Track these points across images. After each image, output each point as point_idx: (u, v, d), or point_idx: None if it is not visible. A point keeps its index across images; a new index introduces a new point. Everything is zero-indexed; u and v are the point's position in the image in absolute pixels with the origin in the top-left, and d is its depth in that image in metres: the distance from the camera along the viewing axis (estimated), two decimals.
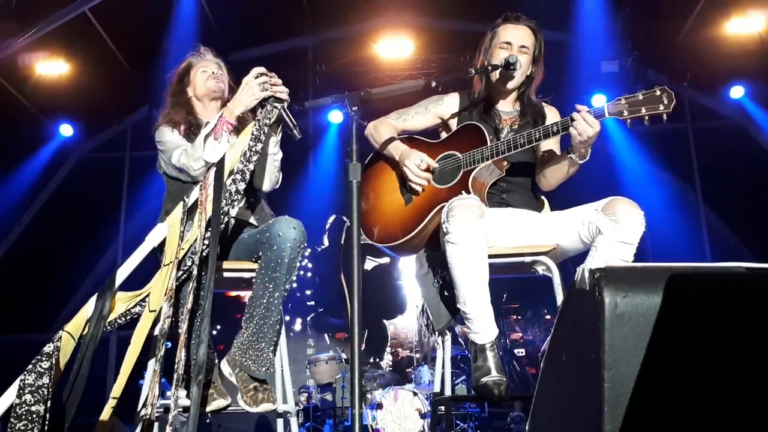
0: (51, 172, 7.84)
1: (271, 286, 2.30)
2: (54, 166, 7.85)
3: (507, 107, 2.69)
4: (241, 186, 2.35)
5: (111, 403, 2.16)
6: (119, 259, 7.72)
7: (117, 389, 2.17)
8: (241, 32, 6.88)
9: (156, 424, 2.27)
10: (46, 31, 6.35)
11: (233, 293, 3.30)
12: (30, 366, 2.14)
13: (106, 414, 2.14)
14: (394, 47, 7.45)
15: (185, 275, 2.27)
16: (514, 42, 2.58)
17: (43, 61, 6.91)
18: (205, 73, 2.67)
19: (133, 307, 2.28)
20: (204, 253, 2.24)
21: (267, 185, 2.64)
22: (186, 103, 2.66)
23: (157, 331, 2.25)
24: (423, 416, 4.34)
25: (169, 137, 2.53)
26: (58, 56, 6.92)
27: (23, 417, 2.07)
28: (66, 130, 7.68)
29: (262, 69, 2.43)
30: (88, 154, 8.13)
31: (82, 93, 7.20)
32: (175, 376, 2.12)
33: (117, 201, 8.02)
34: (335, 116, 7.73)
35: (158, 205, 2.62)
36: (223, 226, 2.32)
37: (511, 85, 2.62)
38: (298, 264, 2.34)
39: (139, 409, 2.34)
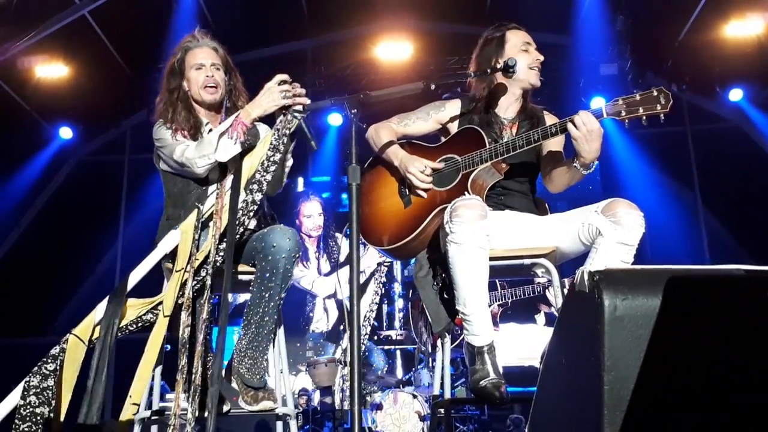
0: (50, 174, 7.81)
1: (266, 295, 2.30)
2: (53, 169, 7.82)
3: (508, 113, 2.68)
4: (258, 197, 2.33)
5: (132, 410, 2.17)
6: (118, 263, 7.70)
7: (137, 395, 2.17)
8: (241, 35, 6.86)
9: (155, 427, 2.27)
10: (45, 34, 6.34)
11: None
12: (35, 368, 2.14)
13: (127, 413, 2.14)
14: (393, 50, 7.44)
15: (200, 285, 2.28)
16: (532, 43, 2.62)
17: (43, 64, 6.90)
18: (200, 72, 2.53)
19: (144, 315, 2.28)
20: (218, 264, 2.25)
21: (272, 190, 2.62)
22: (185, 99, 2.56)
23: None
24: (422, 419, 4.32)
25: (168, 136, 2.47)
26: (58, 59, 6.91)
27: (27, 418, 2.08)
28: (65, 132, 7.65)
29: (285, 76, 2.37)
30: (87, 157, 8.11)
31: (81, 96, 7.18)
32: (178, 378, 2.12)
33: (116, 204, 7.99)
34: (334, 119, 7.73)
35: (157, 207, 2.61)
36: (237, 236, 2.32)
37: (516, 89, 2.63)
38: (292, 273, 2.34)
39: (139, 411, 2.35)
